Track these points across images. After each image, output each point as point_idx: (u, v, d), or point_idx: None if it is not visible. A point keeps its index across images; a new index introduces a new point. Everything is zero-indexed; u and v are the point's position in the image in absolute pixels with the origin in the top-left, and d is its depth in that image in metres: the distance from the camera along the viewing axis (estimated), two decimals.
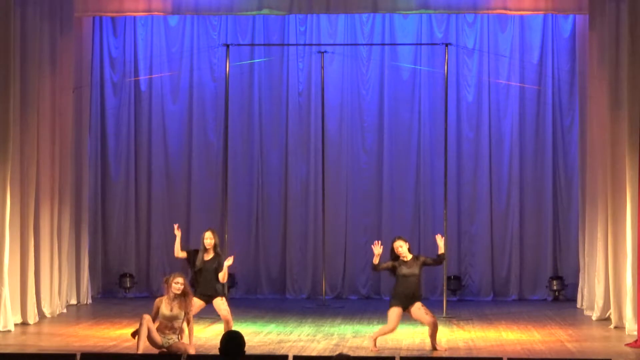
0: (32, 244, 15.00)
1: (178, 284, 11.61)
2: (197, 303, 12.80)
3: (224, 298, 13.00)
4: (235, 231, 17.72)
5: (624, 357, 12.20)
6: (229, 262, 12.92)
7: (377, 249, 12.67)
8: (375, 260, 12.67)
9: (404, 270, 12.56)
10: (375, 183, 18.30)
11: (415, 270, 12.58)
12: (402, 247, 12.65)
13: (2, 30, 14.32)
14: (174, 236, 13.32)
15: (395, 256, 12.67)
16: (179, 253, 13.09)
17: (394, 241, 12.77)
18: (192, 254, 13.05)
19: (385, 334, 12.78)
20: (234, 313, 14.66)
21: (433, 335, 12.60)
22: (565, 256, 17.94)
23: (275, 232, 18.36)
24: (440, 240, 12.94)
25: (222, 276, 12.96)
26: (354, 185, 18.31)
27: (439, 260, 12.90)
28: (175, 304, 11.61)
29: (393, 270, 12.63)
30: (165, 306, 11.59)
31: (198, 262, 12.92)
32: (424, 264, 12.69)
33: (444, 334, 13.67)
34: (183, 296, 11.63)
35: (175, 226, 13.26)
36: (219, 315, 13.05)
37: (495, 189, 18.11)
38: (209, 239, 12.97)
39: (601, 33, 15.41)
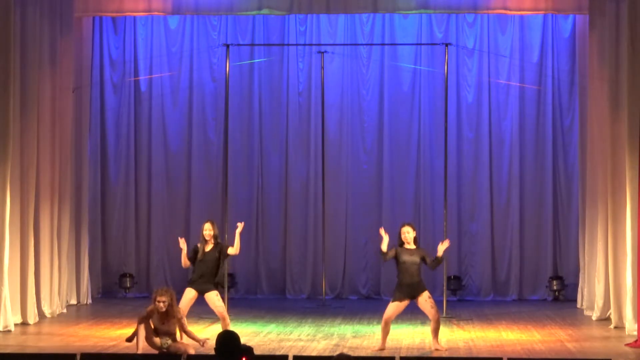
0: (32, 244, 15.00)
1: (160, 302, 11.53)
2: (189, 295, 12.77)
3: (218, 294, 12.94)
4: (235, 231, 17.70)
5: (624, 357, 12.20)
6: (239, 229, 12.97)
7: (385, 235, 12.59)
8: (384, 247, 12.58)
9: (405, 257, 12.53)
10: (375, 183, 18.29)
11: (416, 259, 12.54)
12: (408, 234, 12.61)
13: (2, 30, 14.32)
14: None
15: (401, 242, 12.66)
16: (187, 263, 13.04)
17: (402, 226, 12.75)
18: (194, 255, 13.01)
19: (385, 325, 12.58)
20: (234, 313, 14.69)
21: (435, 332, 12.58)
22: (565, 256, 17.94)
23: (275, 232, 18.36)
24: (442, 245, 12.83)
25: (236, 247, 12.97)
26: (354, 185, 18.30)
27: (434, 262, 12.67)
28: (165, 316, 11.57)
29: (396, 257, 12.61)
30: (156, 317, 11.54)
31: (200, 255, 12.92)
32: (423, 259, 12.65)
33: (444, 334, 13.65)
34: (168, 314, 11.54)
35: (181, 240, 13.12)
36: (218, 318, 13.01)
37: (495, 189, 18.11)
38: (208, 230, 12.97)
39: (601, 33, 15.40)
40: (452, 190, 17.74)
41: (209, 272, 12.87)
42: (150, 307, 11.60)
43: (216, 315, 13.23)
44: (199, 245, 12.99)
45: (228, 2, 16.31)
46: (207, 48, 18.21)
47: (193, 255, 12.97)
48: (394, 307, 12.57)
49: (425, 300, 12.53)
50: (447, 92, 16.72)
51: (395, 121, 18.27)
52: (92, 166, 17.89)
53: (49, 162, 15.66)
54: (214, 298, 12.83)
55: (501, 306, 17.09)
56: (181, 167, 18.45)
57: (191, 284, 12.90)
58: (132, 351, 11.67)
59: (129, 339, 11.62)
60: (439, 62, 17.67)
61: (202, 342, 11.63)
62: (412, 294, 12.54)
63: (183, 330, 11.69)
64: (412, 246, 12.64)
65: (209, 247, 12.96)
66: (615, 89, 14.92)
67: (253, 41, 18.30)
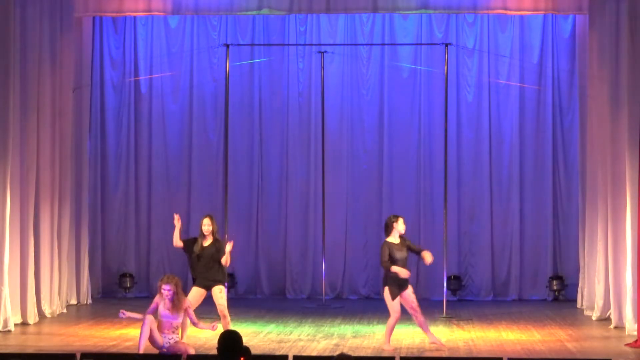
0: (32, 244, 15.00)
1: (165, 290, 11.56)
2: (197, 293, 12.81)
3: (223, 289, 12.96)
4: (236, 231, 17.69)
5: (624, 357, 12.21)
6: (229, 247, 12.96)
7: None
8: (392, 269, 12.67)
9: (398, 255, 12.57)
10: (375, 183, 18.29)
11: (404, 254, 12.63)
12: (397, 222, 12.68)
13: (2, 30, 14.33)
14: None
15: (388, 231, 12.66)
16: (178, 242, 13.10)
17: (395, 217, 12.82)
18: (190, 242, 13.05)
19: (393, 325, 12.65)
20: (234, 313, 14.68)
21: (425, 325, 12.60)
22: (565, 256, 17.94)
23: (275, 232, 18.36)
24: (427, 256, 12.77)
25: (225, 260, 12.97)
26: (354, 185, 18.30)
27: (418, 252, 12.83)
28: (172, 305, 11.60)
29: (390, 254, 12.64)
30: (162, 305, 11.59)
31: (197, 249, 12.94)
32: (409, 248, 12.70)
33: (444, 334, 13.68)
34: (175, 301, 11.58)
35: (176, 217, 13.20)
36: (219, 316, 13.03)
37: (495, 189, 18.11)
38: (207, 225, 12.99)
39: (601, 33, 15.40)
40: (452, 190, 17.74)
41: (209, 266, 12.90)
42: (157, 297, 11.63)
43: (216, 316, 13.23)
44: (198, 239, 13.00)
45: (228, 2, 16.31)
46: (207, 48, 18.21)
47: (189, 245, 12.99)
48: (399, 303, 12.55)
49: (409, 295, 12.57)
50: (447, 92, 16.72)
51: (395, 121, 18.27)
52: (92, 166, 17.90)
53: (49, 162, 15.66)
54: (217, 295, 12.87)
55: (501, 306, 17.09)
56: (181, 167, 18.44)
57: (196, 282, 12.91)
58: (132, 351, 11.68)
59: (124, 313, 11.55)
60: (439, 62, 17.66)
61: (212, 327, 11.61)
62: (403, 288, 12.56)
63: (191, 319, 11.69)
64: (397, 240, 12.66)
65: (207, 242, 12.98)
66: (615, 89, 14.92)
67: (253, 41, 18.30)
